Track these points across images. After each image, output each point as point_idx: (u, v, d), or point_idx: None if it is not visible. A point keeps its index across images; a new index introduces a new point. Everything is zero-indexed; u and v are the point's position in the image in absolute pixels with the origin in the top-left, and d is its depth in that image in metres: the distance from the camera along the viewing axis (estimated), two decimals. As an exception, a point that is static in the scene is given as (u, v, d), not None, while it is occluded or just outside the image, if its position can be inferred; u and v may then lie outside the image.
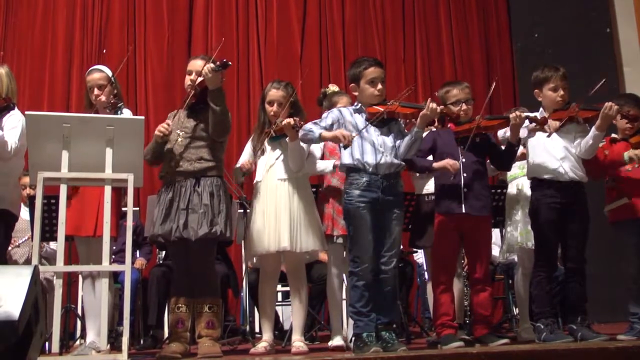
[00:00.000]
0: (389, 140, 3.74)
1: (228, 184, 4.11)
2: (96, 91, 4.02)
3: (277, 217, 3.92)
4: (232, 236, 3.96)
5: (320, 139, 3.73)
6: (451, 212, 3.90)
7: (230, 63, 3.70)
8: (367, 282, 3.60)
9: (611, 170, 4.23)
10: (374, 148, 3.68)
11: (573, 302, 4.01)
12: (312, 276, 5.38)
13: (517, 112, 3.88)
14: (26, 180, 4.85)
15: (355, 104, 3.86)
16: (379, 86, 3.75)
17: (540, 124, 3.95)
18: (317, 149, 4.26)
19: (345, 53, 7.92)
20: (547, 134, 3.96)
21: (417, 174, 4.58)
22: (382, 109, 3.70)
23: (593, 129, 3.97)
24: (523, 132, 4.05)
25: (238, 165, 4.16)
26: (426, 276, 5.08)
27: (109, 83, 4.05)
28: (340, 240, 4.20)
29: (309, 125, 3.76)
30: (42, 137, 3.39)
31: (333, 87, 4.62)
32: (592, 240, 4.11)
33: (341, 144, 3.73)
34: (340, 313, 4.40)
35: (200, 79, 3.79)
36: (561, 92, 4.08)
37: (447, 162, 3.90)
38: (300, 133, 3.77)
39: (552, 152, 4.06)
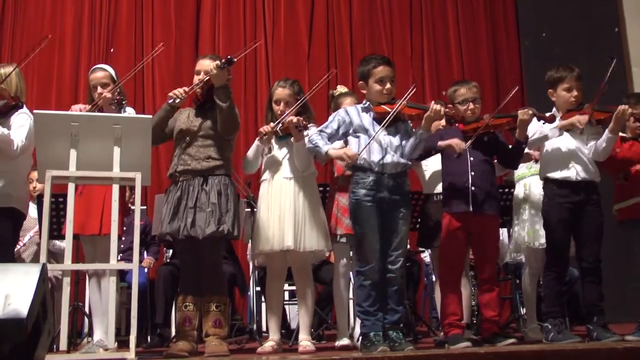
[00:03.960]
0: (395, 140, 3.73)
1: (236, 183, 4.11)
2: (99, 89, 4.03)
3: (282, 216, 3.91)
4: (239, 235, 3.96)
5: (328, 156, 3.72)
6: (459, 212, 3.89)
7: (235, 60, 3.71)
8: (374, 282, 3.60)
9: (623, 166, 4.21)
10: (381, 147, 3.68)
11: (589, 302, 4.01)
12: (323, 277, 5.37)
13: (524, 109, 3.86)
14: (34, 174, 4.87)
15: (364, 102, 3.85)
16: (388, 85, 3.74)
17: (548, 121, 3.94)
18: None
19: (352, 52, 7.91)
20: (579, 130, 3.97)
21: (424, 168, 4.58)
22: (389, 109, 3.69)
23: (606, 132, 3.97)
24: (554, 133, 4.02)
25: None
26: (433, 276, 5.07)
27: (112, 81, 4.06)
28: (343, 240, 4.20)
29: (314, 137, 3.74)
30: (50, 135, 3.40)
31: (341, 89, 4.60)
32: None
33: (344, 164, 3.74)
34: (346, 313, 4.39)
35: (207, 77, 3.79)
36: (575, 93, 4.08)
37: (453, 141, 3.86)
38: (309, 146, 3.77)
39: (564, 152, 4.06)
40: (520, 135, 3.93)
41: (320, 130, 3.77)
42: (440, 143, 3.91)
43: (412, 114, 3.74)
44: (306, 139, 3.85)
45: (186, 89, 3.87)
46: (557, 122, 4.01)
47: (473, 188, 3.89)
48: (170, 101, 3.85)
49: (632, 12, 7.57)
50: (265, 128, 3.98)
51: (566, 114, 4.06)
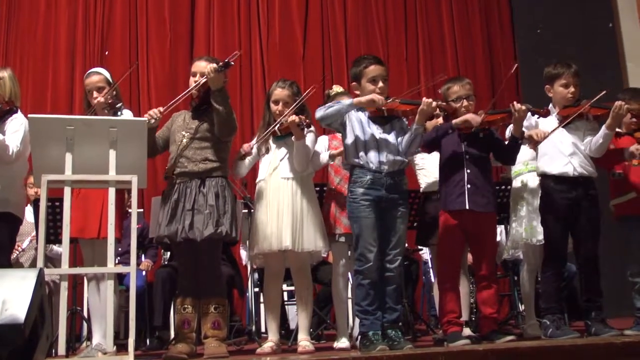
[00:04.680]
0: (391, 138, 3.74)
1: (233, 185, 4.11)
2: (95, 94, 4.03)
3: (280, 216, 3.91)
4: (237, 236, 3.96)
5: (353, 105, 3.66)
6: (455, 209, 3.89)
7: (232, 63, 3.71)
8: (373, 281, 3.60)
9: (614, 160, 4.22)
10: (377, 146, 3.68)
11: (587, 297, 4.02)
12: (322, 278, 5.37)
13: (519, 105, 3.86)
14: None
15: (358, 102, 3.85)
16: (380, 84, 3.74)
17: (543, 116, 3.95)
18: (320, 146, 4.26)
19: (347, 52, 7.92)
20: (533, 144, 4.00)
21: (421, 166, 4.58)
22: (383, 107, 3.70)
23: (603, 128, 3.98)
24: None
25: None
26: (432, 274, 5.08)
27: (107, 84, 4.06)
28: (342, 239, 4.20)
29: (325, 105, 3.74)
30: (46, 139, 3.39)
31: (337, 88, 4.60)
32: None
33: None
34: (345, 313, 4.39)
35: (203, 79, 3.80)
36: (572, 89, 4.10)
37: (468, 115, 3.87)
38: (321, 111, 3.69)
39: (560, 148, 4.07)
40: (516, 131, 3.93)
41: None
42: (456, 121, 3.89)
43: (406, 109, 3.74)
44: (319, 112, 3.79)
45: (161, 109, 3.86)
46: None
47: (469, 185, 3.89)
48: (148, 126, 3.83)
49: (626, 7, 7.59)
50: (245, 147, 4.02)
51: (563, 109, 4.08)
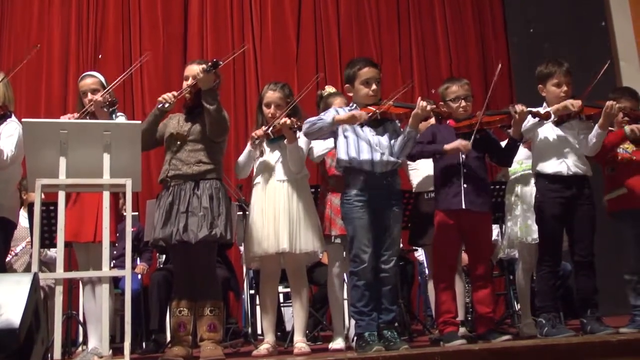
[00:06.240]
0: (384, 139, 3.73)
1: (227, 187, 4.11)
2: (89, 96, 4.02)
3: (276, 219, 3.91)
4: (232, 239, 3.96)
5: (334, 122, 3.63)
6: (451, 209, 3.90)
7: (221, 63, 3.71)
8: (368, 282, 3.59)
9: (609, 152, 4.22)
10: (370, 147, 3.68)
11: (583, 296, 4.02)
12: (317, 279, 5.36)
13: (520, 107, 3.85)
14: None
15: (351, 104, 3.85)
16: (374, 87, 3.74)
17: (544, 119, 3.94)
18: (316, 143, 4.26)
19: (340, 53, 7.92)
20: (573, 112, 3.94)
21: (413, 166, 4.57)
22: (376, 109, 3.69)
23: (596, 127, 3.99)
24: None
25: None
26: (427, 274, 5.08)
27: (101, 87, 4.06)
28: (338, 240, 4.20)
29: (311, 119, 3.73)
30: (40, 144, 3.39)
31: (329, 89, 4.60)
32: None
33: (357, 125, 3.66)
34: (341, 313, 4.39)
35: (194, 81, 3.80)
36: (564, 88, 4.09)
37: (460, 142, 3.83)
38: (306, 126, 3.70)
39: (555, 147, 4.07)
40: (515, 133, 3.92)
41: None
42: (446, 147, 3.86)
43: (399, 112, 3.73)
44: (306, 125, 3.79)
45: (175, 93, 3.88)
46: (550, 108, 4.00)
47: (465, 185, 3.89)
48: (160, 105, 3.85)
49: (619, 6, 7.60)
50: (257, 132, 3.99)
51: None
